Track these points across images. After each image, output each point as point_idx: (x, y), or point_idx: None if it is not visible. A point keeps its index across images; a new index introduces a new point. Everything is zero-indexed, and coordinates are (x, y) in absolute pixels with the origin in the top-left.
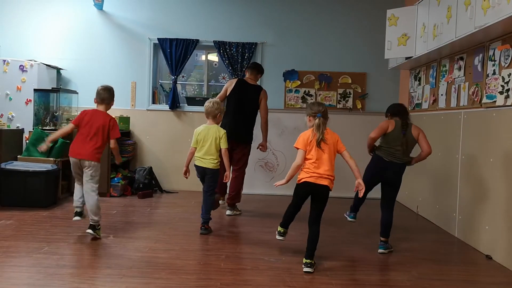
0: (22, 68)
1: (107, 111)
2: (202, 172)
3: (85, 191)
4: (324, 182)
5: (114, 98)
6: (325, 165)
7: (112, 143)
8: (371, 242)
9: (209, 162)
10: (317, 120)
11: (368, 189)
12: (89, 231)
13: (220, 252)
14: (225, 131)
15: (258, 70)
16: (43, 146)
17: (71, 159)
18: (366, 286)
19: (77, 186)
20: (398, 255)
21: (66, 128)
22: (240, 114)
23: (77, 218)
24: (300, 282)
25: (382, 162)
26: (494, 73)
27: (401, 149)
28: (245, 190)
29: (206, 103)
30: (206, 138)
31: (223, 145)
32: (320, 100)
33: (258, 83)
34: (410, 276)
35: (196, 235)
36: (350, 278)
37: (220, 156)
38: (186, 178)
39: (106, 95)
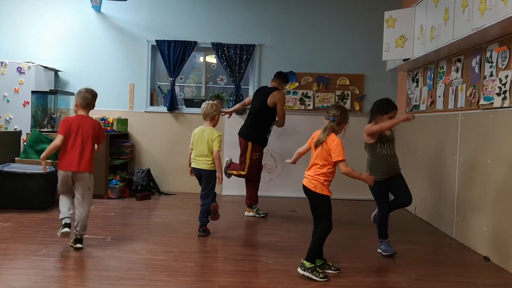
0: (19, 70)
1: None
2: (198, 174)
3: (80, 204)
4: (304, 181)
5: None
6: (310, 165)
7: (100, 148)
8: (369, 243)
9: (203, 163)
10: (326, 123)
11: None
12: (79, 245)
13: (218, 254)
14: (220, 133)
15: (278, 78)
16: (44, 168)
17: (63, 173)
18: None
19: (63, 198)
20: (396, 257)
21: (56, 141)
22: (249, 115)
23: (66, 230)
24: (299, 284)
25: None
26: (491, 75)
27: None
28: (242, 192)
29: (203, 105)
30: (200, 139)
31: (215, 147)
32: (318, 101)
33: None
34: (408, 277)
35: (194, 237)
36: (349, 279)
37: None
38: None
39: (93, 101)
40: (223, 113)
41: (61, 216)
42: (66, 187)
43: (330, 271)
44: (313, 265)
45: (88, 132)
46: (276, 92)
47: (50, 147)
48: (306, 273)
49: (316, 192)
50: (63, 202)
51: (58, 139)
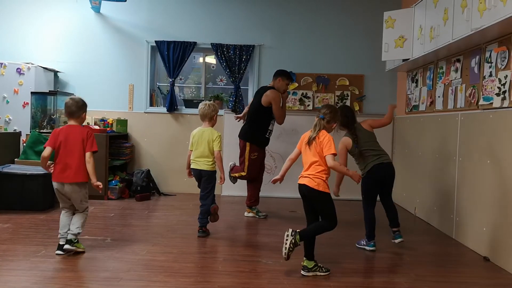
0: (19, 71)
1: (82, 124)
2: (198, 175)
3: (77, 213)
4: (303, 181)
5: (86, 110)
6: (308, 164)
7: (87, 156)
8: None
9: (203, 164)
10: (315, 120)
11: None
12: (67, 247)
13: (218, 254)
14: (220, 133)
15: (274, 75)
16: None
17: (53, 184)
18: None
19: (62, 212)
20: (396, 257)
21: (43, 153)
22: (248, 116)
23: (59, 252)
24: (298, 284)
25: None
26: (490, 75)
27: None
28: (242, 192)
29: (200, 105)
30: (200, 140)
31: (216, 148)
32: (318, 102)
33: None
34: (408, 277)
35: (193, 238)
36: (348, 280)
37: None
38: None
39: (73, 108)
40: (237, 119)
41: (59, 235)
42: (61, 200)
43: (321, 273)
44: (314, 262)
45: (76, 141)
46: (269, 91)
47: (40, 161)
48: (311, 273)
49: (319, 191)
50: (61, 217)
51: (45, 151)
